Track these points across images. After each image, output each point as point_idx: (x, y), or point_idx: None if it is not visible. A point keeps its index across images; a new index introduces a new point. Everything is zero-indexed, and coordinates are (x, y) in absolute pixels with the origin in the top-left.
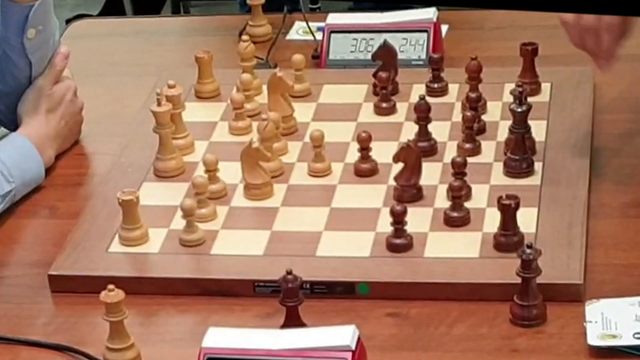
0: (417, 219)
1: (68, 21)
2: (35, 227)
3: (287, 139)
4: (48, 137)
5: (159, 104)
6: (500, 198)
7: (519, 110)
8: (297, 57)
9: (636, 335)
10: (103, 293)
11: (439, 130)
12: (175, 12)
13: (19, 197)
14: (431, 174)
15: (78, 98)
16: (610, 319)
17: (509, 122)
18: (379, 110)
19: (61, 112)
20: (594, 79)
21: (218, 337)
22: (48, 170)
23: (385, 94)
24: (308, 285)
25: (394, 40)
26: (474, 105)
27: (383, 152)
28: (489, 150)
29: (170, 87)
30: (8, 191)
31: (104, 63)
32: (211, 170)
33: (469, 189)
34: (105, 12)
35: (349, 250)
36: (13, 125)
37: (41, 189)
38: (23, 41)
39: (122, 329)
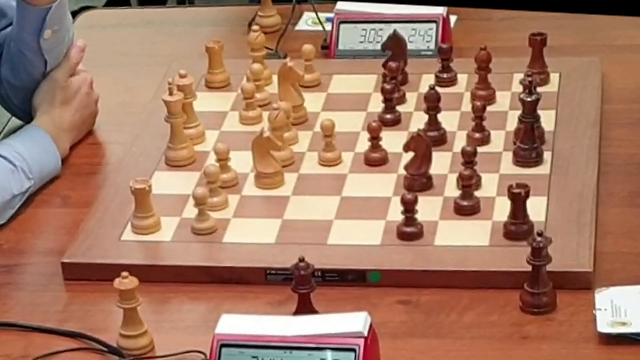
0: (428, 208)
1: (74, 13)
2: (48, 215)
3: (298, 129)
4: (63, 129)
5: (170, 94)
6: (510, 187)
7: (529, 99)
8: (307, 48)
9: None
10: (117, 280)
11: (448, 119)
12: (181, 3)
13: (34, 191)
14: (441, 163)
15: (94, 90)
16: (619, 307)
17: (518, 112)
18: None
19: (76, 104)
20: (603, 69)
21: (231, 324)
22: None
23: (394, 84)
24: (319, 273)
25: (403, 30)
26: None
27: (393, 141)
28: (499, 139)
29: (181, 76)
30: (27, 188)
31: (114, 53)
32: (222, 160)
33: (479, 178)
34: (111, 3)
35: (360, 238)
36: (27, 117)
37: (54, 178)
38: (39, 42)
39: (136, 316)
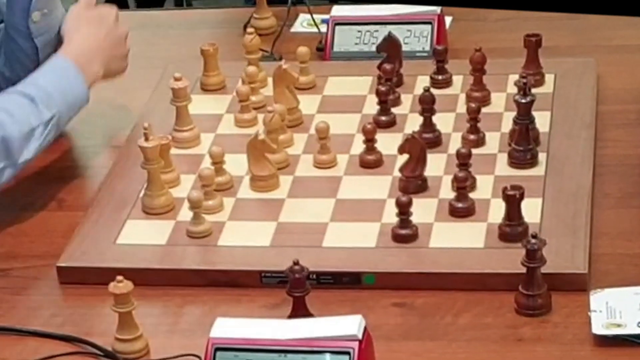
0: (422, 210)
1: None
2: (43, 219)
3: (293, 131)
4: (90, 50)
5: (146, 139)
6: (505, 188)
7: (523, 101)
8: (302, 50)
9: None
10: (112, 284)
11: (443, 121)
12: (178, 4)
13: (64, 121)
14: (436, 165)
15: (120, 26)
16: (614, 308)
17: (513, 113)
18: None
19: (105, 29)
20: (598, 69)
21: (226, 327)
22: (55, 162)
23: (389, 86)
24: (314, 276)
25: (398, 32)
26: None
27: (388, 143)
28: (494, 141)
29: (176, 79)
30: (50, 118)
31: None
32: (217, 163)
33: (474, 179)
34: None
35: (355, 241)
36: None
37: (49, 181)
38: (28, 24)
39: (131, 319)
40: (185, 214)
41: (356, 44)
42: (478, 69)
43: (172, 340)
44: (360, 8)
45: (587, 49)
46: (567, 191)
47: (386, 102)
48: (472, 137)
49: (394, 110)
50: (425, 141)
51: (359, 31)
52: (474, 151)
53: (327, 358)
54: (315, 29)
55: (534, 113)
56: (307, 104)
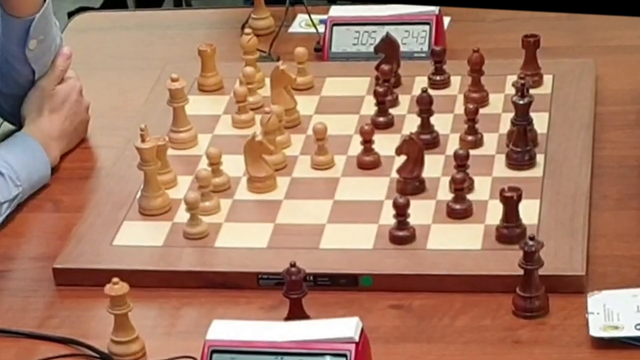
0: (420, 212)
1: (70, 14)
2: (40, 220)
3: (290, 132)
4: (52, 137)
5: (143, 140)
6: (502, 190)
7: (521, 102)
8: (300, 50)
9: (638, 327)
10: (108, 286)
11: (441, 122)
12: (177, 5)
13: (24, 198)
14: (434, 166)
15: (84, 98)
16: (612, 310)
17: (511, 115)
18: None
19: (65, 112)
20: (596, 70)
21: (222, 330)
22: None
23: (387, 87)
24: (311, 278)
25: (397, 32)
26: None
27: (386, 144)
28: (491, 142)
29: (173, 80)
30: (15, 195)
31: (108, 56)
32: (215, 164)
33: (472, 181)
34: (108, 5)
35: (352, 242)
36: (18, 123)
37: (46, 184)
38: (25, 52)
39: (127, 321)
40: (182, 215)
41: (354, 44)
42: (476, 69)
43: (168, 342)
44: (359, 8)
45: (585, 49)
46: (565, 193)
47: (384, 103)
48: (470, 138)
49: (391, 111)
50: (423, 142)
51: (357, 32)
52: (472, 152)
53: None
54: (313, 30)
55: (532, 114)
56: (305, 104)
